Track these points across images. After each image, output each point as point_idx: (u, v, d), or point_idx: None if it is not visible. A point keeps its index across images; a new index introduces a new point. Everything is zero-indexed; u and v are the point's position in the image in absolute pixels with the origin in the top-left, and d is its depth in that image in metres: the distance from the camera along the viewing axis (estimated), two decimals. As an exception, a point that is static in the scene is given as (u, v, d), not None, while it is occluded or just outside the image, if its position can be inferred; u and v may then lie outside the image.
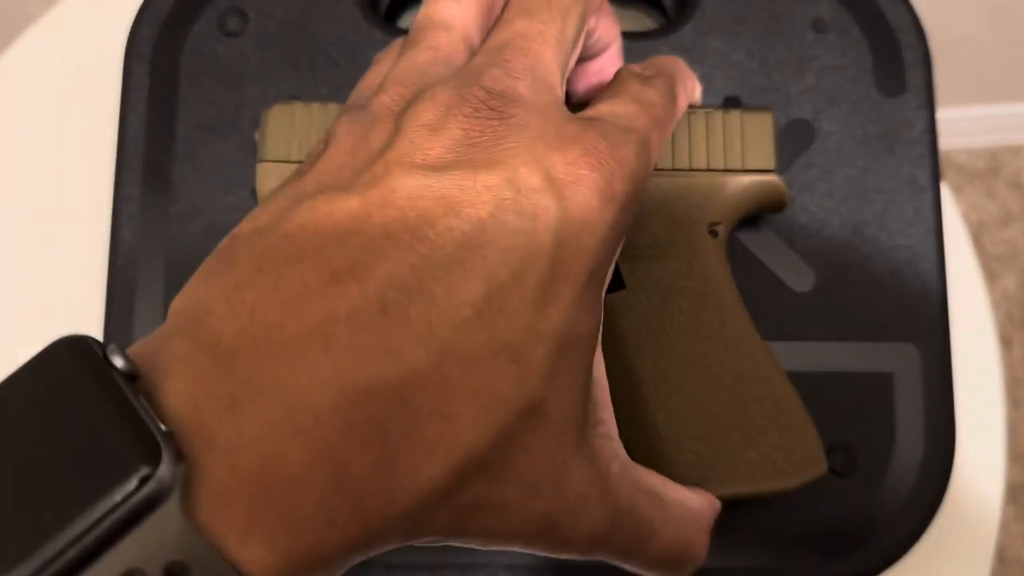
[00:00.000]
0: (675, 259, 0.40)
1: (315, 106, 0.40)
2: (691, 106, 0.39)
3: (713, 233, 0.40)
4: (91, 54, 0.50)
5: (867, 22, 0.44)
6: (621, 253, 0.37)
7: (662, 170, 0.40)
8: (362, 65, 0.44)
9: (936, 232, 0.43)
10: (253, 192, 0.42)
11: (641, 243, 0.40)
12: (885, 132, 0.44)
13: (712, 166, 0.41)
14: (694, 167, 0.41)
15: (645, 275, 0.40)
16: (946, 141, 1.19)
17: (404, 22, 0.49)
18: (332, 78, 0.44)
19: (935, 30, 0.89)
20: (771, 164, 0.40)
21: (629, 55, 0.43)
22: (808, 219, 0.43)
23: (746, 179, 0.41)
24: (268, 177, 0.40)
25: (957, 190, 1.18)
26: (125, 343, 0.41)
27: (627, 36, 0.44)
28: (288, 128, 0.40)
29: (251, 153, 0.43)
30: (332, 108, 0.40)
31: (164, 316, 0.42)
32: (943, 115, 1.13)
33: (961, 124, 1.14)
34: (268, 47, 0.44)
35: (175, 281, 0.42)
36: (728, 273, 0.40)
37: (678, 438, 0.38)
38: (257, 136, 0.41)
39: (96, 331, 0.49)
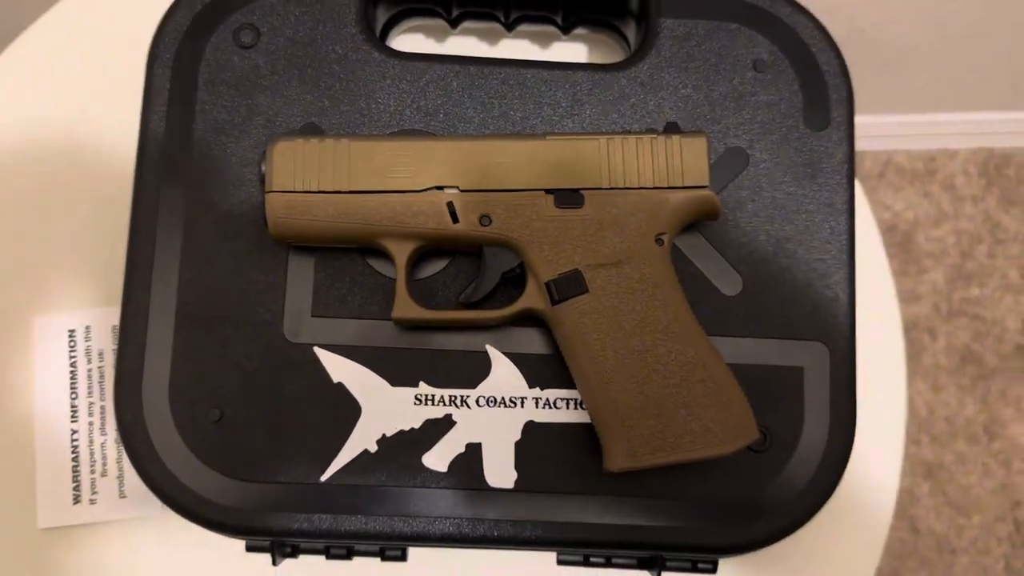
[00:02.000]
0: (629, 266, 0.46)
1: (314, 141, 0.46)
2: (636, 132, 0.48)
3: (659, 242, 0.47)
4: (114, 50, 0.56)
5: (800, 65, 0.51)
6: (584, 264, 0.47)
7: (615, 189, 0.47)
8: (361, 78, 0.50)
9: (849, 250, 0.50)
10: (261, 184, 0.47)
11: (600, 254, 0.46)
12: (809, 161, 0.50)
13: (656, 184, 0.47)
14: (641, 185, 0.47)
15: (604, 281, 0.46)
16: (889, 143, 1.26)
17: (391, 42, 0.55)
18: (334, 91, 0.50)
19: (886, 42, 0.96)
20: (705, 180, 0.47)
21: (594, 86, 0.50)
22: (739, 233, 0.50)
23: (684, 194, 0.47)
24: (275, 205, 0.46)
25: (896, 189, 1.25)
26: (141, 323, 0.47)
27: (587, 68, 0.51)
28: (291, 162, 0.46)
29: (259, 154, 0.49)
30: (328, 143, 0.46)
31: (178, 295, 0.48)
32: (890, 119, 1.21)
33: (904, 127, 1.21)
34: (278, 60, 0.50)
35: (189, 263, 0.48)
36: (674, 276, 0.47)
37: (635, 416, 0.45)
38: (263, 168, 0.47)
39: (114, 312, 0.55)
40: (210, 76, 0.49)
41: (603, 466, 0.46)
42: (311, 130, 0.49)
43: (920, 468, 1.20)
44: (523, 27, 0.55)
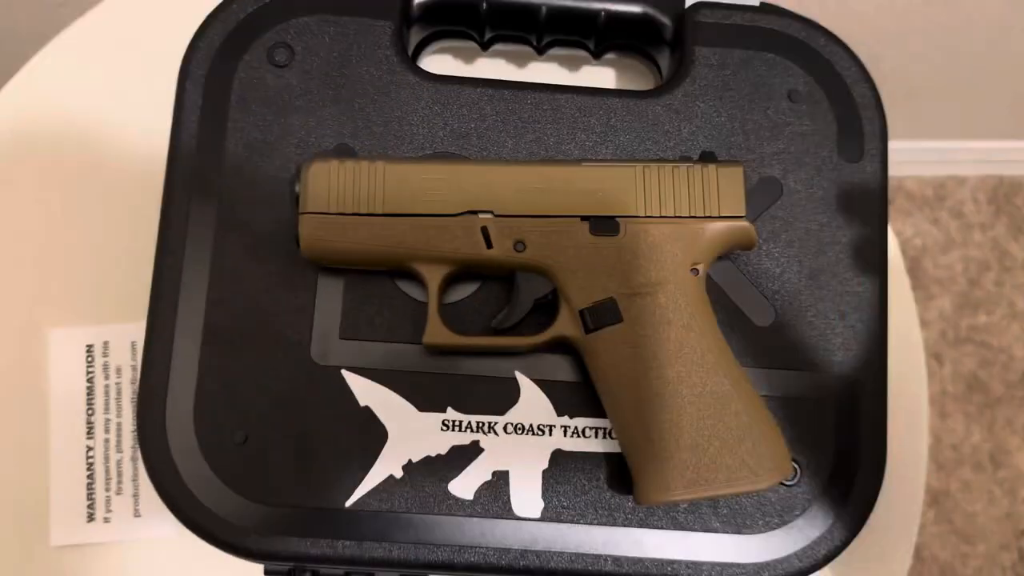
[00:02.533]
0: (664, 295, 0.46)
1: (348, 163, 0.46)
2: (672, 161, 0.47)
3: (694, 272, 0.46)
4: (146, 61, 0.55)
5: (835, 97, 0.51)
6: (618, 293, 0.46)
7: (650, 217, 0.46)
8: (395, 100, 0.49)
9: (881, 283, 0.50)
10: (294, 203, 0.48)
11: (635, 283, 0.46)
12: (843, 193, 0.50)
13: (692, 213, 0.46)
14: (677, 214, 0.46)
15: (639, 310, 0.46)
16: (900, 169, 1.26)
17: (421, 63, 0.54)
18: (367, 112, 0.49)
19: (901, 71, 0.96)
20: (742, 211, 0.47)
21: (628, 113, 0.50)
22: (772, 264, 0.50)
23: (721, 224, 0.46)
24: (308, 226, 0.45)
25: (905, 215, 1.25)
26: (166, 341, 0.47)
27: (622, 94, 0.51)
28: (325, 184, 0.45)
29: (291, 174, 0.49)
30: (363, 166, 0.46)
31: (205, 315, 0.47)
32: (899, 145, 1.20)
33: (914, 154, 1.21)
34: (312, 80, 0.49)
35: (217, 282, 0.48)
36: (708, 305, 0.47)
37: (669, 449, 0.44)
38: (297, 188, 0.46)
39: (134, 328, 0.54)
40: (243, 94, 0.49)
41: (634, 498, 0.45)
42: (344, 151, 0.49)
43: (926, 495, 1.20)
44: (553, 51, 0.55)
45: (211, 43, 0.49)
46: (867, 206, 0.50)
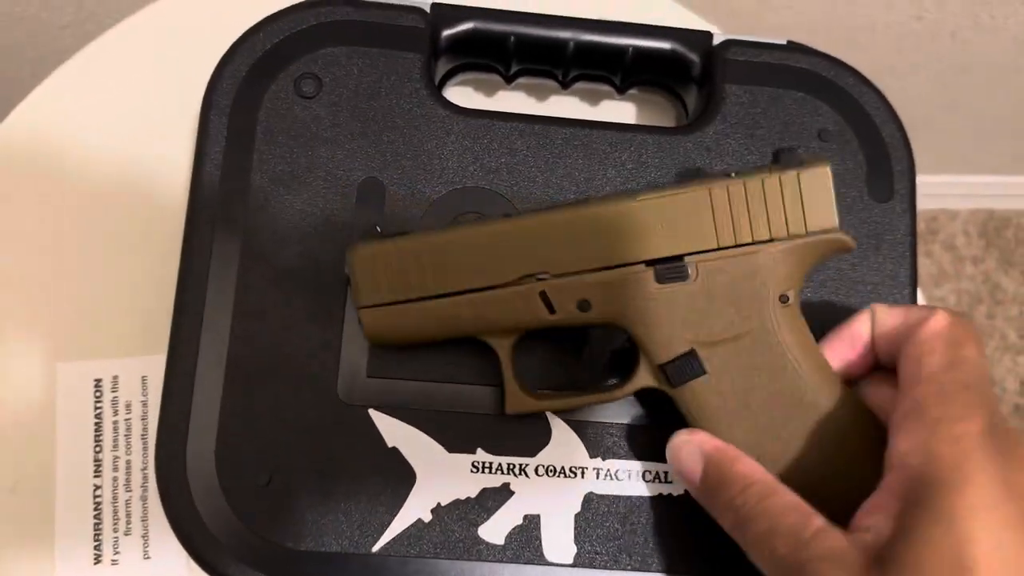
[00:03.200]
0: (749, 339, 0.42)
1: (388, 245, 0.43)
2: (745, 172, 0.42)
3: (784, 301, 0.42)
4: (160, 87, 0.54)
5: (864, 136, 0.51)
6: (698, 342, 0.42)
7: (725, 248, 0.42)
8: (425, 133, 0.49)
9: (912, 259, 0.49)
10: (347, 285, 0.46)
11: (715, 330, 0.42)
12: (873, 232, 0.50)
13: (774, 235, 0.41)
14: (756, 239, 0.41)
15: (723, 359, 0.42)
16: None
17: (451, 87, 0.54)
18: (396, 146, 0.48)
19: (900, 109, 0.97)
20: (834, 222, 0.41)
21: (659, 149, 0.49)
22: (803, 305, 0.49)
23: (809, 242, 0.42)
24: (369, 319, 0.44)
25: (897, 247, 1.27)
26: (187, 377, 0.45)
27: (653, 131, 0.50)
28: (371, 271, 0.43)
29: (318, 207, 0.48)
30: (404, 244, 0.43)
31: (228, 350, 0.46)
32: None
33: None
34: (340, 112, 0.48)
35: (241, 317, 0.46)
36: (806, 336, 0.42)
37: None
38: (347, 272, 0.44)
39: (144, 362, 0.52)
40: (269, 125, 0.48)
41: None
42: (372, 187, 0.48)
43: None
44: (576, 85, 0.55)
45: (237, 72, 0.48)
46: (896, 246, 0.50)
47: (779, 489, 0.39)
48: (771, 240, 0.41)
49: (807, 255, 0.42)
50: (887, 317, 0.42)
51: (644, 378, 0.43)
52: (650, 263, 0.42)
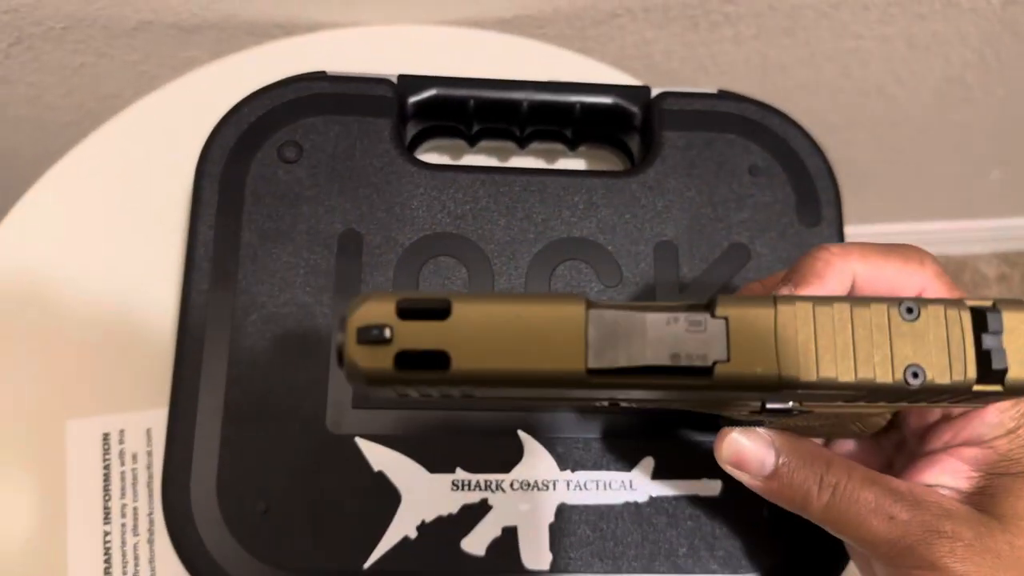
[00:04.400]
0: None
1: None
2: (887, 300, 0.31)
3: None
4: (156, 162, 0.60)
5: (791, 169, 0.56)
6: None
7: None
8: (396, 188, 0.54)
9: None
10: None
11: None
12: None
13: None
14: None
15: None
16: (852, 252, 1.33)
17: (421, 150, 0.59)
18: (372, 200, 0.54)
19: (852, 166, 1.03)
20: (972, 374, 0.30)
21: (608, 191, 0.55)
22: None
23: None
24: None
25: (862, 296, 1.32)
26: (189, 421, 0.50)
27: (601, 175, 0.56)
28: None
29: (302, 258, 0.53)
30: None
31: (225, 393, 0.50)
32: (853, 231, 1.27)
33: (867, 239, 1.28)
34: (320, 173, 0.54)
35: (236, 362, 0.51)
36: None
37: None
38: (339, 339, 0.32)
39: (149, 415, 0.57)
40: (256, 189, 0.53)
41: None
42: (351, 237, 0.53)
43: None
44: (533, 145, 0.61)
45: (225, 143, 0.54)
46: (828, 266, 0.55)
47: (853, 463, 0.39)
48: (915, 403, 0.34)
49: None
50: None
51: None
52: None
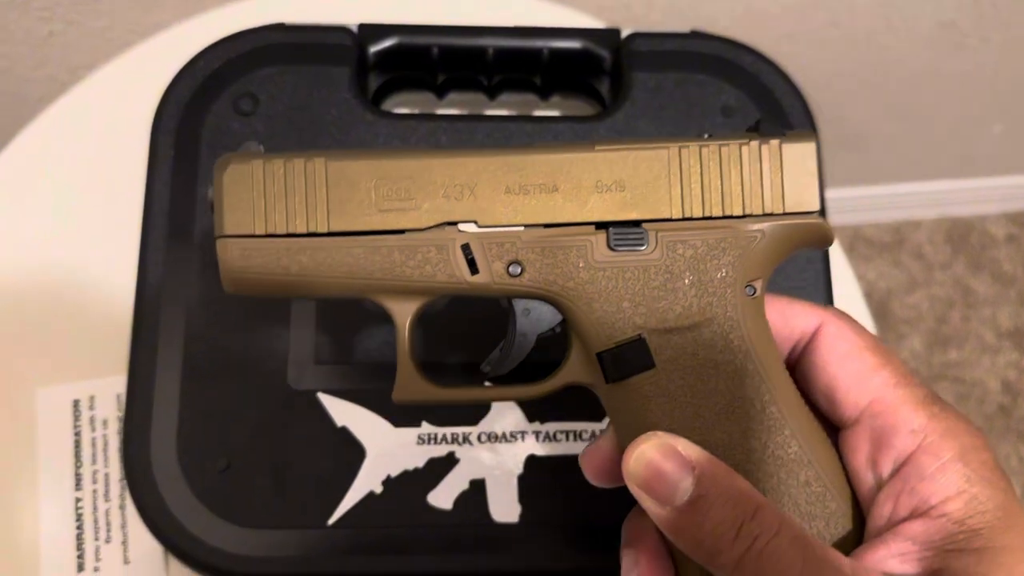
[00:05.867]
0: (709, 329, 0.35)
1: (277, 163, 0.36)
2: (722, 136, 0.36)
3: (750, 291, 0.35)
4: (116, 126, 0.59)
5: (766, 109, 0.54)
6: (648, 328, 0.35)
7: (691, 219, 0.36)
8: (354, 137, 0.53)
9: (826, 283, 0.52)
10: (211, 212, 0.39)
11: (670, 315, 0.35)
12: (781, 196, 0.53)
13: (749, 212, 0.35)
14: (728, 213, 0.35)
15: (677, 351, 0.35)
16: (856, 216, 1.31)
17: (387, 104, 0.58)
18: (329, 148, 0.52)
19: (846, 123, 1.01)
20: (815, 204, 0.35)
21: (574, 136, 0.53)
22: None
23: (787, 223, 0.35)
24: (230, 254, 0.35)
25: (867, 260, 1.29)
26: (148, 378, 0.48)
27: (571, 120, 0.54)
28: (248, 193, 0.35)
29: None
30: (297, 165, 0.36)
31: (183, 350, 0.49)
32: (854, 193, 1.26)
33: (869, 201, 1.26)
34: (276, 125, 0.52)
35: (194, 319, 0.50)
36: (769, 336, 0.36)
37: None
38: (210, 195, 0.36)
39: (118, 381, 0.56)
40: (211, 142, 0.52)
41: None
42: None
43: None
44: (504, 97, 0.59)
45: (180, 98, 0.53)
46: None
47: (787, 517, 0.32)
48: (744, 216, 0.35)
49: (782, 240, 0.36)
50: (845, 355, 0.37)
51: (575, 370, 0.37)
52: (601, 226, 0.36)
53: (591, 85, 0.58)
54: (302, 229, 0.35)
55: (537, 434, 0.50)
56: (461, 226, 0.36)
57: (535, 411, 0.50)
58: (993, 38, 0.87)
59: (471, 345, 0.49)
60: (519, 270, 0.36)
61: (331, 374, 0.50)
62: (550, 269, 0.35)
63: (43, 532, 0.54)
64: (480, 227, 0.36)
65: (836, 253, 0.57)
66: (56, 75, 0.76)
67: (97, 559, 0.54)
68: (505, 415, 0.50)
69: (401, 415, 0.49)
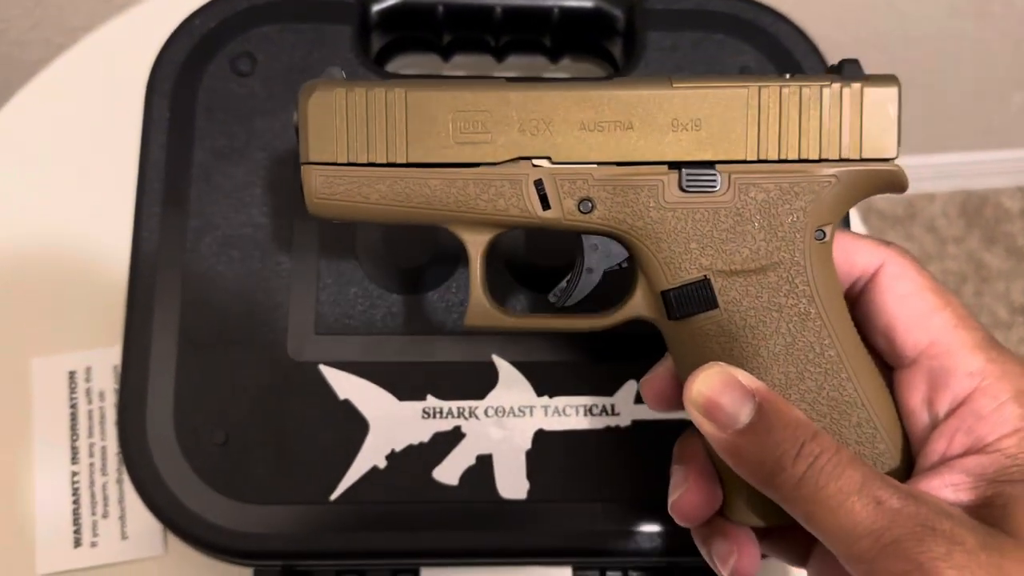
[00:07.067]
0: (775, 273, 0.35)
1: (359, 92, 0.36)
2: (803, 77, 0.35)
3: (819, 236, 0.35)
4: (113, 88, 0.57)
5: (785, 69, 0.52)
6: (714, 270, 0.35)
7: (765, 162, 0.35)
8: (357, 102, 0.50)
9: None
10: (296, 133, 0.38)
11: (738, 258, 0.35)
12: (801, 162, 0.51)
13: (825, 156, 0.35)
14: (804, 157, 0.35)
15: (741, 293, 0.35)
16: (869, 188, 1.28)
17: (391, 66, 0.56)
18: (331, 112, 0.50)
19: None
20: (893, 151, 0.36)
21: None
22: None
23: (863, 170, 0.35)
24: (315, 181, 0.37)
25: (879, 233, 1.27)
26: (143, 348, 0.47)
27: (585, 80, 0.52)
28: (331, 121, 0.36)
29: (259, 177, 0.49)
30: (379, 94, 0.36)
31: (180, 319, 0.47)
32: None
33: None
34: (275, 85, 0.50)
35: (191, 287, 0.48)
36: (835, 281, 0.36)
37: None
38: (295, 120, 0.37)
39: (115, 352, 0.54)
40: (208, 104, 0.50)
41: (723, 512, 0.38)
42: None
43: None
44: (512, 59, 0.57)
45: (175, 58, 0.51)
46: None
47: (842, 446, 0.33)
48: (820, 160, 0.35)
49: (856, 185, 0.35)
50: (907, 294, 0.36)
51: (639, 305, 0.37)
52: (675, 165, 0.36)
53: (603, 46, 0.56)
54: (382, 159, 0.36)
55: (546, 408, 0.48)
56: (535, 161, 0.36)
57: (544, 385, 0.48)
58: (1017, 3, 0.84)
59: (539, 278, 0.47)
60: (590, 207, 0.36)
61: (333, 345, 0.48)
62: (620, 208, 0.36)
63: (39, 507, 0.53)
64: (553, 163, 0.36)
65: (852, 225, 0.55)
66: (52, 38, 0.74)
67: (94, 534, 0.53)
68: (513, 389, 0.48)
69: (406, 388, 0.48)
